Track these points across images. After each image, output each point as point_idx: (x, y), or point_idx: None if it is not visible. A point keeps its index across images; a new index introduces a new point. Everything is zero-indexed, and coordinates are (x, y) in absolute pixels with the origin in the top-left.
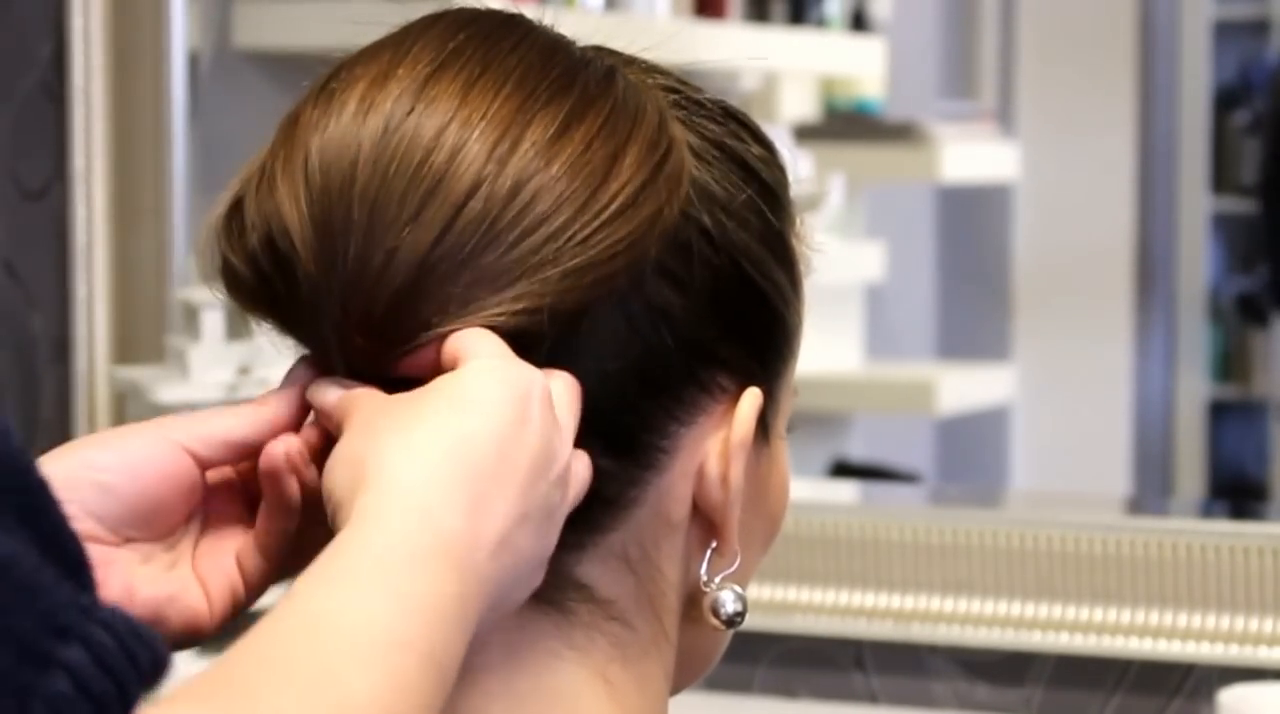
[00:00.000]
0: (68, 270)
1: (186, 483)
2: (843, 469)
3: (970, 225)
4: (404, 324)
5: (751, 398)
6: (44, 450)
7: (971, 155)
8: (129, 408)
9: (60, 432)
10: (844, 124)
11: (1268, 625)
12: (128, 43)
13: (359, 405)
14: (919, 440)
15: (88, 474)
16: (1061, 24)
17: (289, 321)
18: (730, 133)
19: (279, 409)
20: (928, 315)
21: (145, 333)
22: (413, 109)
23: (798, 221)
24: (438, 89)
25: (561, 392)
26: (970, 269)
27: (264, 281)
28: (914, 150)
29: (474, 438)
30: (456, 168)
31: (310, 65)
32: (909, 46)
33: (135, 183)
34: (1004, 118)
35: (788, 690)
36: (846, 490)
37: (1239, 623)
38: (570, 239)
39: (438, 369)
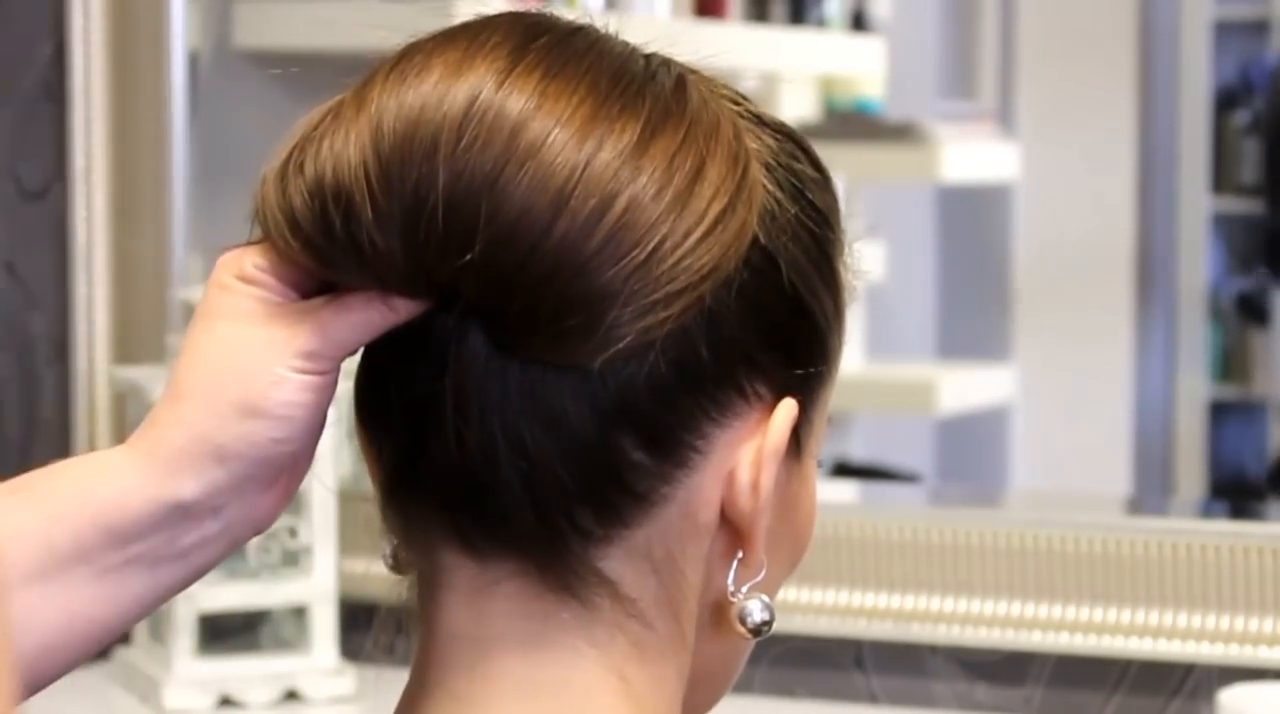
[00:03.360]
0: (68, 270)
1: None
2: (843, 469)
3: (970, 225)
4: (495, 291)
5: (787, 408)
6: (42, 451)
7: (971, 155)
8: (129, 408)
9: (60, 432)
10: (844, 124)
11: (1268, 625)
12: (128, 43)
13: None
14: (919, 440)
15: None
16: (1061, 24)
17: (346, 261)
18: (787, 151)
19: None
20: (928, 315)
21: (145, 333)
22: (492, 102)
23: (847, 251)
24: (517, 83)
25: None
26: (970, 269)
27: (325, 222)
28: (914, 150)
29: None
30: (548, 153)
31: (311, 65)
32: (909, 46)
33: (135, 183)
34: (1004, 118)
35: (788, 690)
36: (846, 490)
37: (1239, 623)
38: (665, 261)
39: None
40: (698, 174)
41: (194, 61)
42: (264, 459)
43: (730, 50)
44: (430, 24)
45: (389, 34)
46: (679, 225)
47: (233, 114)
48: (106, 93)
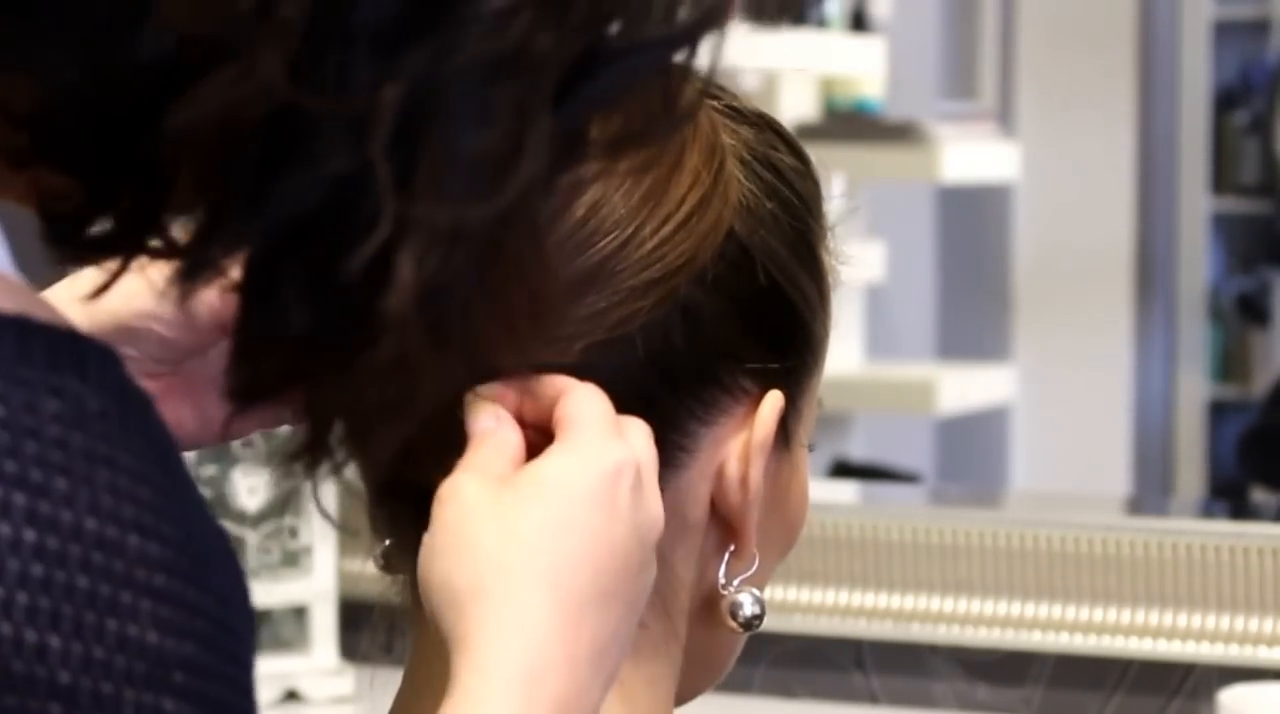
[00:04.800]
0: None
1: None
2: (843, 469)
3: (970, 225)
4: None
5: (773, 401)
6: None
7: (971, 155)
8: None
9: None
10: (844, 124)
11: (1268, 625)
12: None
13: (462, 493)
14: (919, 440)
15: (151, 327)
16: (1061, 24)
17: None
18: (765, 141)
19: None
20: (928, 315)
21: None
22: None
23: (829, 236)
24: None
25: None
26: (970, 269)
27: None
28: (914, 150)
29: (575, 571)
30: None
31: None
32: (909, 46)
33: None
34: (1004, 118)
35: (788, 690)
36: (846, 490)
37: (1239, 623)
38: (639, 250)
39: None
40: (674, 166)
41: None
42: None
43: (730, 50)
44: None
45: None
46: (655, 215)
47: None
48: None
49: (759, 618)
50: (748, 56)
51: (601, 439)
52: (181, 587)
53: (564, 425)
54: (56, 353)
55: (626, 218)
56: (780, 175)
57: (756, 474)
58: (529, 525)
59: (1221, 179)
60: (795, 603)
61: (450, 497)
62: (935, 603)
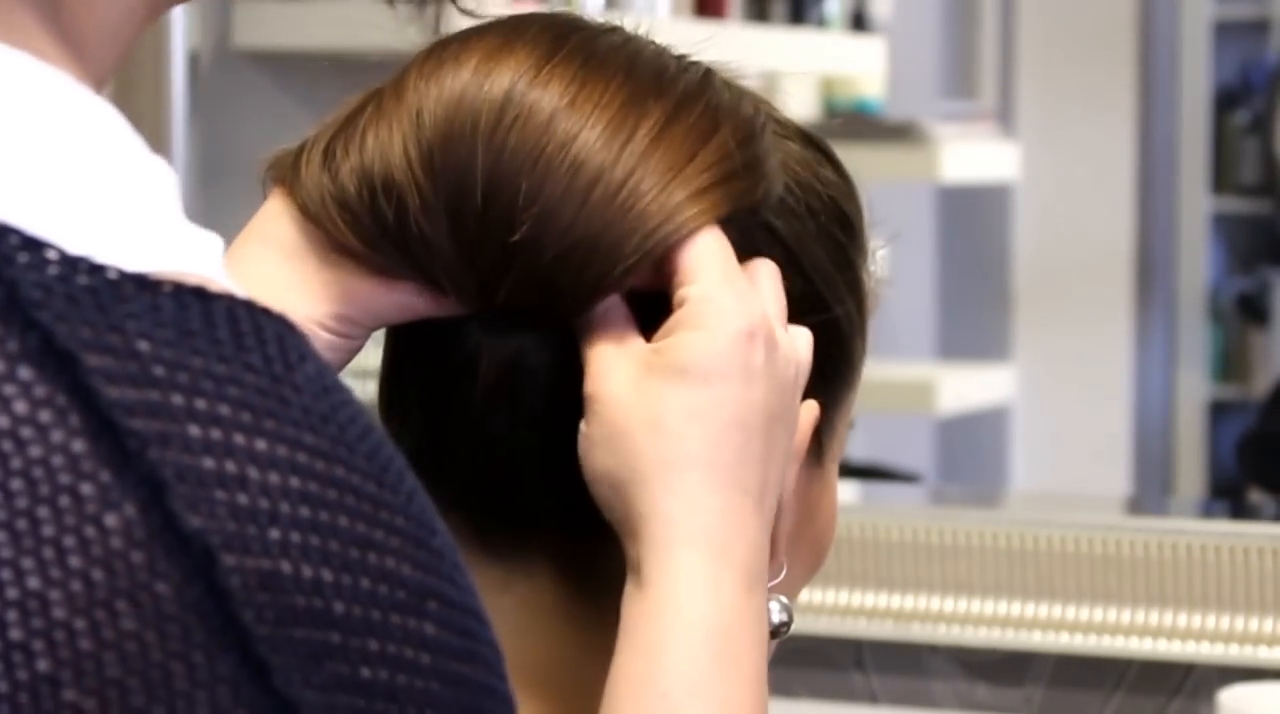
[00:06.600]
0: None
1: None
2: (843, 469)
3: (970, 225)
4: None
5: (809, 409)
6: None
7: (971, 155)
8: None
9: None
10: (844, 124)
11: (1268, 625)
12: None
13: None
14: (919, 440)
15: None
16: (1061, 24)
17: (393, 252)
18: (812, 157)
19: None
20: (928, 315)
21: None
22: (533, 85)
23: (870, 259)
24: (555, 74)
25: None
26: (970, 269)
27: (376, 212)
28: (914, 150)
29: (723, 446)
30: (577, 152)
31: (310, 65)
32: (909, 46)
33: None
34: (1004, 118)
35: (788, 690)
36: (846, 490)
37: (1239, 623)
38: (636, 208)
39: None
40: (711, 133)
41: (194, 61)
42: None
43: (730, 50)
44: (430, 24)
45: (388, 33)
46: (684, 172)
47: (233, 114)
48: (106, 93)
49: (786, 625)
50: (748, 56)
51: (730, 302)
52: (416, 527)
53: (689, 279)
54: (294, 340)
55: (658, 178)
56: (825, 189)
57: (790, 480)
58: (672, 413)
59: (1221, 179)
60: (795, 603)
61: (597, 392)
62: (935, 603)
